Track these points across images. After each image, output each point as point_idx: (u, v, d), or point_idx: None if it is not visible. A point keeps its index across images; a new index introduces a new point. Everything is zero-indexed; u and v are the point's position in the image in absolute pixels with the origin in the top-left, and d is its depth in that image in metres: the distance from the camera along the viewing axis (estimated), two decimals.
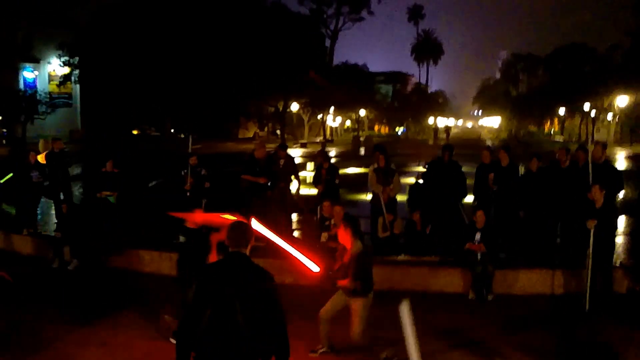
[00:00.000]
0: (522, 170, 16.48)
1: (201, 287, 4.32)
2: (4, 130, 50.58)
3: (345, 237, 7.19)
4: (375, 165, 12.15)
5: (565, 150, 11.52)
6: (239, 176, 12.65)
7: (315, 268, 6.38)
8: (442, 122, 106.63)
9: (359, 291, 7.15)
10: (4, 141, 48.67)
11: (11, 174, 14.22)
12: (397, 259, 10.89)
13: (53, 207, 15.08)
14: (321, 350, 7.64)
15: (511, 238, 11.31)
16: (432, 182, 12.54)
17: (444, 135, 76.97)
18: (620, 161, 36.51)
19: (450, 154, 12.46)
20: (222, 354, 4.20)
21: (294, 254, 6.35)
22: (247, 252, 4.52)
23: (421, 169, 21.10)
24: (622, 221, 13.69)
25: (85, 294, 10.08)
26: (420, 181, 13.11)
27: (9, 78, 49.66)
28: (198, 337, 4.23)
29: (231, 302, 4.20)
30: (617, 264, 10.39)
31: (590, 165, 9.82)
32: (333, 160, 35.69)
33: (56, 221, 13.59)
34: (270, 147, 39.00)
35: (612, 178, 10.32)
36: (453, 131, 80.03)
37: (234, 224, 4.66)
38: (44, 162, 14.36)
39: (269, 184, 12.65)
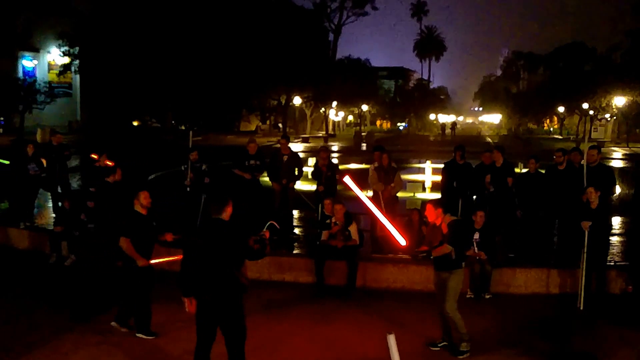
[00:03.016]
0: (521, 167, 16.61)
1: (195, 241, 6.25)
2: (2, 118, 50.30)
3: (438, 216, 7.66)
4: (376, 164, 12.21)
5: (562, 151, 11.62)
6: (230, 170, 12.97)
7: (402, 241, 6.84)
8: (442, 118, 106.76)
9: (453, 260, 7.59)
10: (0, 130, 48.35)
11: (7, 162, 14.16)
12: (395, 257, 10.97)
13: (50, 201, 15.04)
14: (441, 344, 7.91)
15: (509, 237, 11.45)
16: (448, 185, 12.57)
17: (449, 131, 77.17)
18: (617, 160, 36.58)
19: (463, 154, 12.49)
20: (212, 283, 6.09)
21: (385, 224, 6.83)
22: (226, 217, 6.24)
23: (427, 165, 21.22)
24: (616, 221, 13.79)
25: (83, 290, 9.98)
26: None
27: (7, 66, 49.51)
28: (194, 274, 6.14)
29: (216, 248, 6.09)
30: (612, 265, 10.52)
31: (585, 167, 9.94)
32: (335, 155, 35.98)
33: (54, 215, 13.61)
34: (272, 140, 39.16)
35: (606, 180, 10.46)
36: (448, 127, 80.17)
37: (214, 200, 6.38)
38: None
39: (257, 178, 12.96)
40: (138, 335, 8.02)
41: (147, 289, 8.06)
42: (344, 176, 8.07)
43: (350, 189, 7.93)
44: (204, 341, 6.29)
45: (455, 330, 7.71)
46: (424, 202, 15.37)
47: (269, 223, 6.83)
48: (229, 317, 6.17)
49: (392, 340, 3.92)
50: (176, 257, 8.69)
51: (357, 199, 8.88)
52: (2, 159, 14.67)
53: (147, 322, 8.06)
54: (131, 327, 8.15)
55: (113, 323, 8.23)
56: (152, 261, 8.08)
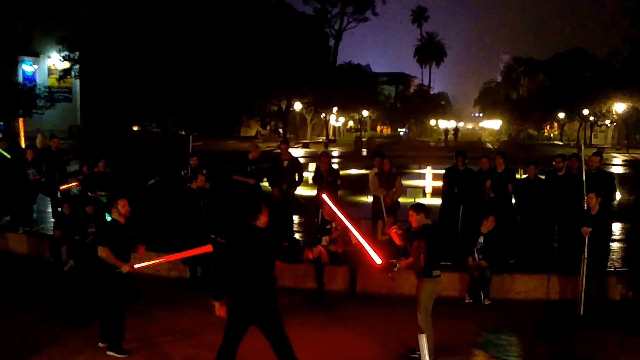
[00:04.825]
0: (520, 173, 16.62)
1: (230, 247, 6.49)
2: (1, 123, 50.15)
3: (418, 222, 7.45)
4: (377, 170, 12.21)
5: (561, 157, 11.64)
6: (230, 175, 12.81)
7: (378, 260, 6.83)
8: (443, 124, 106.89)
9: (422, 269, 7.34)
10: (0, 135, 48.21)
11: (8, 155, 14.13)
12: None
13: (49, 205, 14.98)
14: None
15: (509, 243, 11.44)
16: (449, 191, 12.58)
17: (452, 137, 77.34)
18: (617, 166, 36.58)
19: (464, 159, 12.50)
20: (250, 285, 6.24)
21: (361, 242, 7.05)
22: (261, 225, 6.44)
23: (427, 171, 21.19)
24: (616, 227, 13.79)
25: (82, 295, 9.85)
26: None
27: (7, 71, 49.33)
28: (230, 279, 6.31)
29: (253, 252, 6.29)
30: (612, 271, 10.52)
31: (583, 173, 9.91)
32: (335, 160, 35.99)
33: (53, 220, 13.57)
34: (272, 145, 39.17)
35: (606, 185, 10.46)
36: (451, 133, 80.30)
37: (249, 208, 6.54)
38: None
39: (259, 184, 12.85)
40: (109, 353, 7.59)
41: (124, 302, 7.73)
42: (321, 194, 8.12)
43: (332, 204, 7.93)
44: (232, 343, 6.41)
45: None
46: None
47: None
48: (270, 321, 6.37)
49: (423, 339, 3.94)
50: (159, 260, 8.66)
51: (361, 204, 8.85)
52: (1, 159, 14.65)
53: (120, 339, 7.67)
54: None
55: (100, 344, 7.79)
56: (136, 265, 7.79)
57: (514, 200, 12.05)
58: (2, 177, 14.13)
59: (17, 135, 16.85)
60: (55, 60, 55.09)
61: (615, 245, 12.34)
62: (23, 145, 15.00)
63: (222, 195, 12.59)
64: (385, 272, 8.07)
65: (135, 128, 63.66)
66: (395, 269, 7.69)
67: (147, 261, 8.27)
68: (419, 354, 7.50)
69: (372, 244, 7.21)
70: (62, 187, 14.09)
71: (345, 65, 76.40)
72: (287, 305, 9.71)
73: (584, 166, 10.07)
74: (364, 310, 9.58)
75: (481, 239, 10.15)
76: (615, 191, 11.27)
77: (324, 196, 8.15)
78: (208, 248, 7.23)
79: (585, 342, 8.38)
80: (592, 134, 69.17)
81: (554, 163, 11.68)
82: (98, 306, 8.06)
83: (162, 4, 49.13)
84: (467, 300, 9.99)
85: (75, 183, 13.73)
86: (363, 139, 61.73)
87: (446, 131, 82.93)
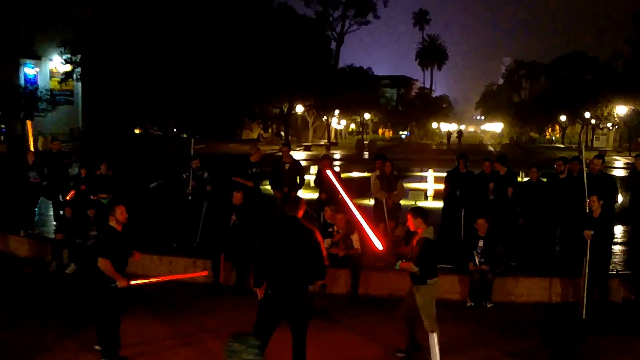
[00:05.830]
0: (522, 176, 16.61)
1: (271, 235, 6.64)
2: (2, 126, 50.12)
3: (417, 226, 7.45)
4: (378, 173, 12.19)
5: (563, 160, 11.64)
6: (230, 178, 12.74)
7: (379, 246, 6.90)
8: (444, 126, 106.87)
9: (417, 276, 7.37)
10: (1, 137, 48.16)
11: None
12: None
13: (51, 208, 14.96)
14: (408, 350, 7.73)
15: (510, 246, 11.42)
16: (451, 194, 12.58)
17: (455, 139, 77.39)
18: (619, 169, 36.51)
19: (466, 162, 12.50)
20: (286, 275, 6.32)
21: (364, 227, 7.27)
22: (299, 216, 6.67)
23: (429, 174, 21.16)
24: (618, 230, 13.77)
25: (83, 298, 9.65)
26: None
27: (9, 74, 49.41)
28: (269, 267, 6.40)
29: (290, 244, 6.42)
30: (614, 273, 10.50)
31: (585, 176, 9.88)
32: (337, 163, 35.96)
33: (55, 223, 13.56)
34: (274, 148, 39.12)
35: (608, 188, 10.44)
36: (455, 136, 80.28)
37: (290, 199, 7.06)
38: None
39: (258, 187, 12.81)
40: None
41: (120, 311, 7.58)
42: (325, 169, 8.02)
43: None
44: (266, 332, 6.31)
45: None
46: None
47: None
48: (299, 317, 6.41)
49: (434, 338, 3.98)
50: (155, 280, 8.66)
51: (363, 206, 8.86)
52: (1, 165, 14.63)
53: (116, 347, 7.48)
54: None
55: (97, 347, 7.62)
56: (133, 282, 7.59)
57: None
58: (3, 180, 14.13)
59: (19, 137, 16.90)
60: (57, 63, 55.20)
61: (617, 248, 12.32)
62: (32, 147, 14.90)
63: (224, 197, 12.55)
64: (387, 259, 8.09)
65: (137, 131, 63.73)
66: (397, 268, 7.67)
67: (144, 279, 8.29)
68: (404, 354, 7.66)
69: (375, 230, 7.21)
70: (68, 197, 13.81)
71: (346, 68, 76.43)
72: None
73: (585, 169, 10.05)
74: (365, 314, 9.55)
75: (481, 243, 10.12)
76: (617, 194, 11.29)
77: (328, 172, 8.15)
78: (203, 273, 7.25)
79: (588, 345, 8.36)
80: (594, 136, 69.19)
81: (555, 166, 11.68)
82: (94, 312, 7.96)
83: (164, 7, 49.22)
84: (468, 304, 9.96)
85: (72, 193, 13.44)
86: (365, 142, 61.67)
87: (449, 134, 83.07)
